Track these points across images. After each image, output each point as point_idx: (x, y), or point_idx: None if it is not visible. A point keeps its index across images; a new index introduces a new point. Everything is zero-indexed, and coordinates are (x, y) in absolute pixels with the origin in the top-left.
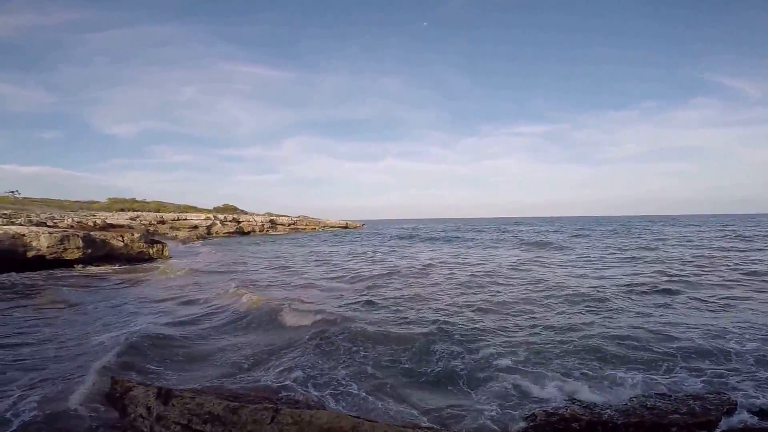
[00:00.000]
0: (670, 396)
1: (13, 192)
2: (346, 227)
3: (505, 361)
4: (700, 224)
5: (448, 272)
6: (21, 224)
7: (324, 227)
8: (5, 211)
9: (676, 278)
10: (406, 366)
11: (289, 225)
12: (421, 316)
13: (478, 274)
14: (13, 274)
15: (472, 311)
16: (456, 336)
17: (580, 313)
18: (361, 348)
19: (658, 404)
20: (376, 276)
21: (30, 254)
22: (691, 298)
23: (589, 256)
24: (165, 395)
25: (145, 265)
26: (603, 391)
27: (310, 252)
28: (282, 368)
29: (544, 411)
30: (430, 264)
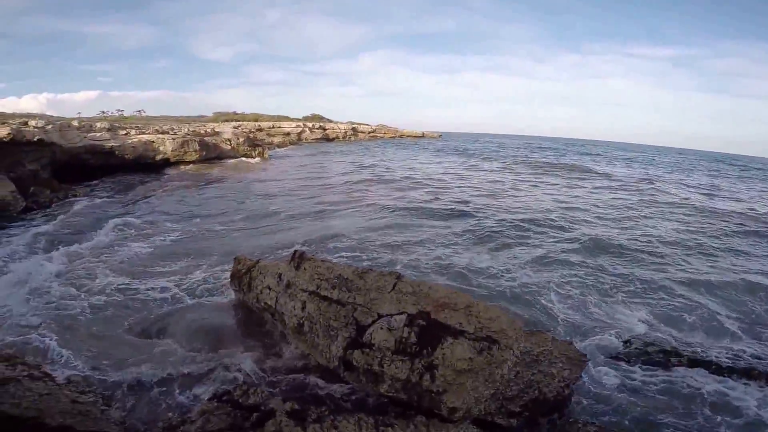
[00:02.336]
0: None
1: (139, 111)
2: (422, 136)
3: None
4: None
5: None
6: (149, 134)
7: (401, 135)
8: (137, 126)
9: None
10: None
11: (369, 133)
12: None
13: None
14: (153, 175)
15: None
16: None
17: None
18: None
19: None
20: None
21: (158, 157)
22: None
23: None
24: (299, 258)
25: (249, 164)
26: None
27: (383, 152)
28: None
29: None
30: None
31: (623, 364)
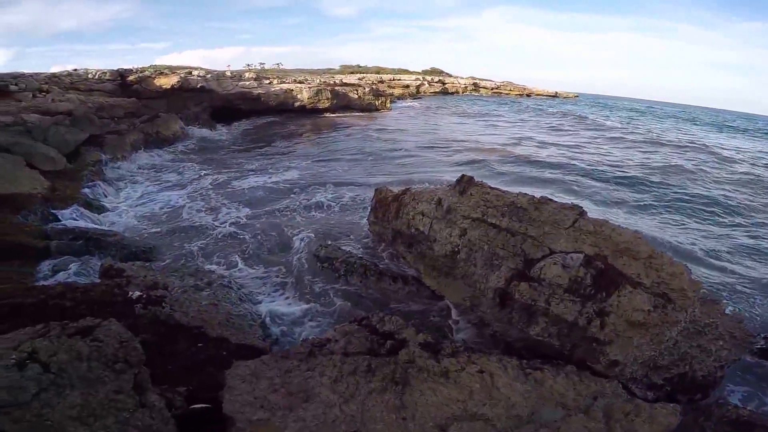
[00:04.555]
0: None
1: (277, 64)
2: (555, 96)
3: None
4: None
5: None
6: (288, 83)
7: (529, 94)
8: (277, 76)
9: None
10: None
11: (492, 89)
12: None
13: None
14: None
15: None
16: None
17: None
18: None
19: None
20: None
21: (296, 104)
22: None
23: None
24: (466, 183)
25: (374, 113)
26: None
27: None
28: None
29: None
30: None
31: None
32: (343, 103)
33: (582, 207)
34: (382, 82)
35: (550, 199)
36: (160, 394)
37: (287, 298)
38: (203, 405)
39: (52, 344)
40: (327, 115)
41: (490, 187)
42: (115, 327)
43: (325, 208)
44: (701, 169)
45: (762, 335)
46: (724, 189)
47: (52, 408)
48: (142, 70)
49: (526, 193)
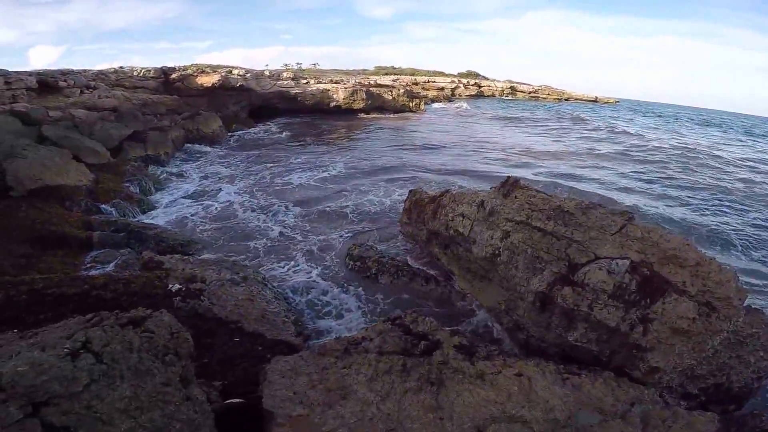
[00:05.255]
0: None
1: (314, 64)
2: (595, 101)
3: None
4: None
5: None
6: (324, 84)
7: (568, 98)
8: (314, 77)
9: None
10: None
11: (529, 93)
12: None
13: None
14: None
15: None
16: None
17: None
18: None
19: None
20: None
21: (332, 104)
22: None
23: None
24: (511, 185)
25: (408, 114)
26: None
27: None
28: None
29: None
30: None
31: None
32: (377, 104)
33: (631, 213)
34: (416, 84)
35: (599, 205)
36: (203, 388)
37: (318, 295)
38: (238, 400)
39: (106, 334)
40: (361, 115)
41: (536, 190)
42: (167, 318)
43: (363, 208)
44: None
45: None
46: None
47: (101, 400)
48: (185, 68)
49: (573, 198)
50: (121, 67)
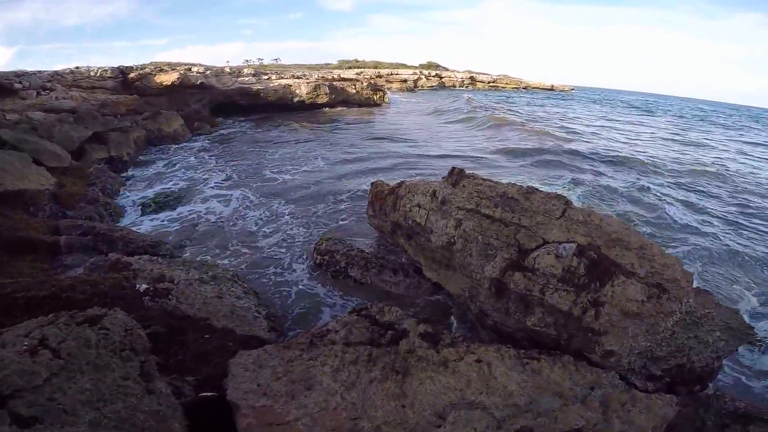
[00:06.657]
0: None
1: (276, 59)
2: (551, 89)
3: None
4: None
5: None
6: (287, 79)
7: (526, 87)
8: (276, 72)
9: None
10: None
11: (489, 83)
12: None
13: None
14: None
15: None
16: None
17: None
18: None
19: None
20: None
21: (295, 99)
22: None
23: None
24: (457, 175)
25: (373, 107)
26: None
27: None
28: None
29: None
30: None
31: None
32: (341, 98)
33: (567, 197)
34: (380, 76)
35: (538, 189)
36: (168, 382)
37: (288, 289)
38: (211, 393)
39: (61, 331)
40: (326, 110)
41: (482, 178)
42: (120, 316)
43: (334, 199)
44: None
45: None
46: None
47: (63, 392)
48: (143, 67)
49: (515, 183)
50: (77, 67)
